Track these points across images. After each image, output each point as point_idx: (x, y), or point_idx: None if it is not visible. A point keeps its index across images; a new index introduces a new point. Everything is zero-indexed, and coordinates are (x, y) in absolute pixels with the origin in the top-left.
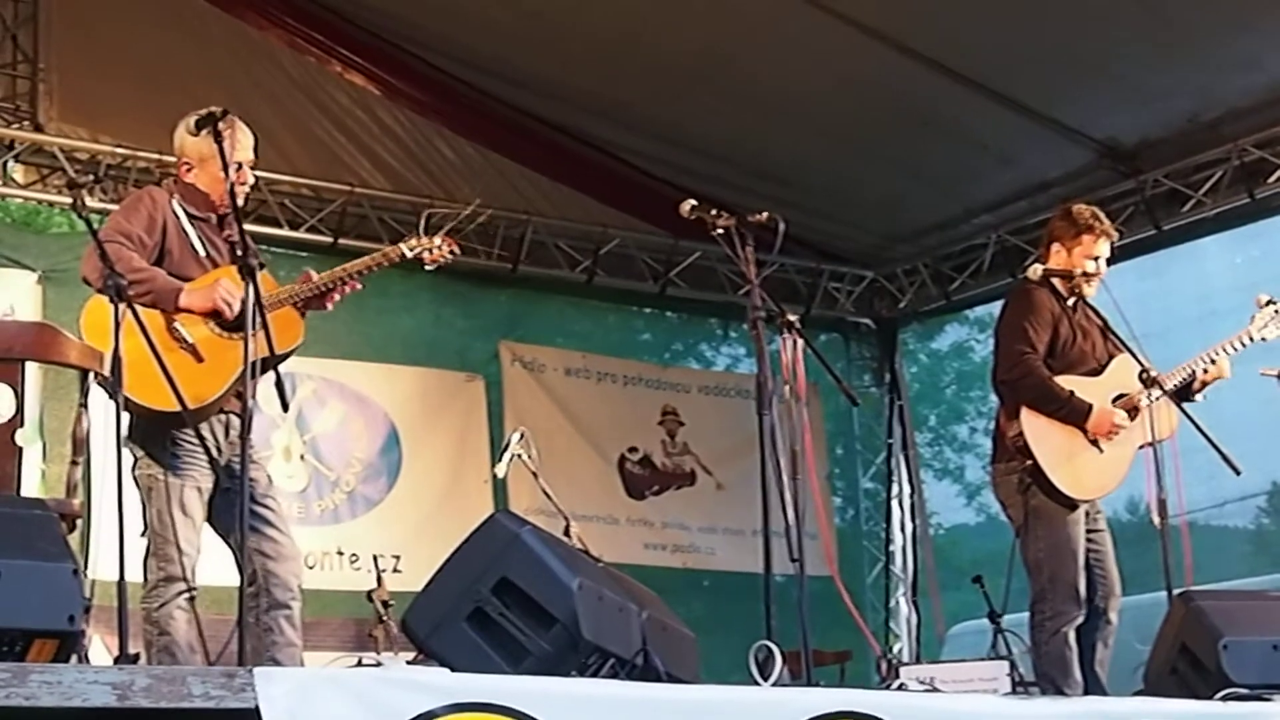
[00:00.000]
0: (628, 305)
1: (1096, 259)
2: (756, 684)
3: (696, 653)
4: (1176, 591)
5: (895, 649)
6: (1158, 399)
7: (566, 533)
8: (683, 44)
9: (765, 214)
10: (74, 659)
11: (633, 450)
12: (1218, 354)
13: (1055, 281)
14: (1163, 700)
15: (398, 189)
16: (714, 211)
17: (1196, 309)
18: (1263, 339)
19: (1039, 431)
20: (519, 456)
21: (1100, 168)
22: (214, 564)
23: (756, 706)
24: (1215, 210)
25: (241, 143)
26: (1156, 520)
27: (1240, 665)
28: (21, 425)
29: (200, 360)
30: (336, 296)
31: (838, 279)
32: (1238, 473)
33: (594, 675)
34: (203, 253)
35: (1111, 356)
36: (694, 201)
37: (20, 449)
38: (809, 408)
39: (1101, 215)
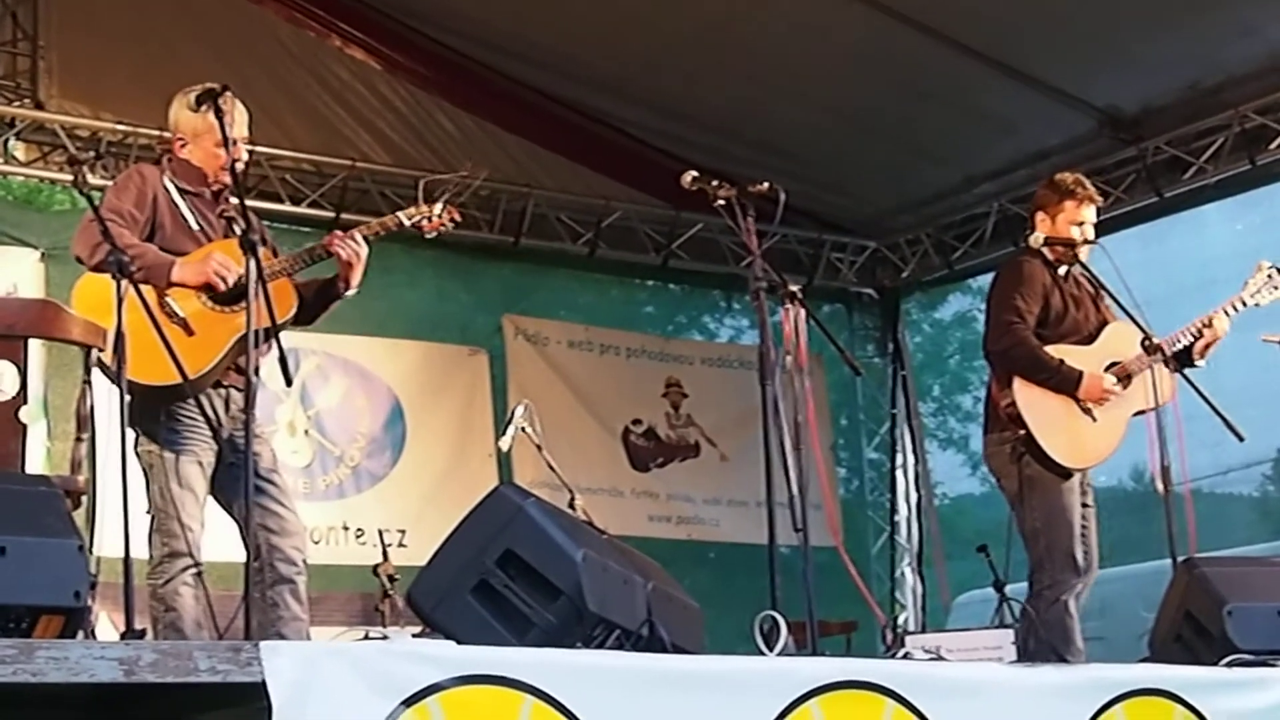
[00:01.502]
0: (630, 278)
1: (1082, 224)
2: (762, 654)
3: (702, 624)
4: (1181, 559)
5: (901, 619)
6: (1160, 365)
7: (571, 505)
8: (684, 16)
9: (766, 184)
10: (80, 635)
11: (637, 422)
12: (1215, 316)
13: (1046, 251)
14: (1168, 667)
15: (399, 163)
16: (715, 183)
17: (1198, 276)
18: (1255, 304)
19: (1031, 400)
20: (523, 430)
21: (1101, 135)
22: (218, 539)
23: (763, 676)
24: (1216, 177)
25: (238, 119)
26: (1160, 488)
27: (1245, 631)
28: (25, 402)
29: (191, 334)
30: (355, 277)
31: (840, 249)
32: (1241, 439)
33: (599, 647)
34: (195, 227)
35: (1104, 325)
36: (695, 173)
37: (25, 426)
38: (812, 378)
39: (1085, 181)
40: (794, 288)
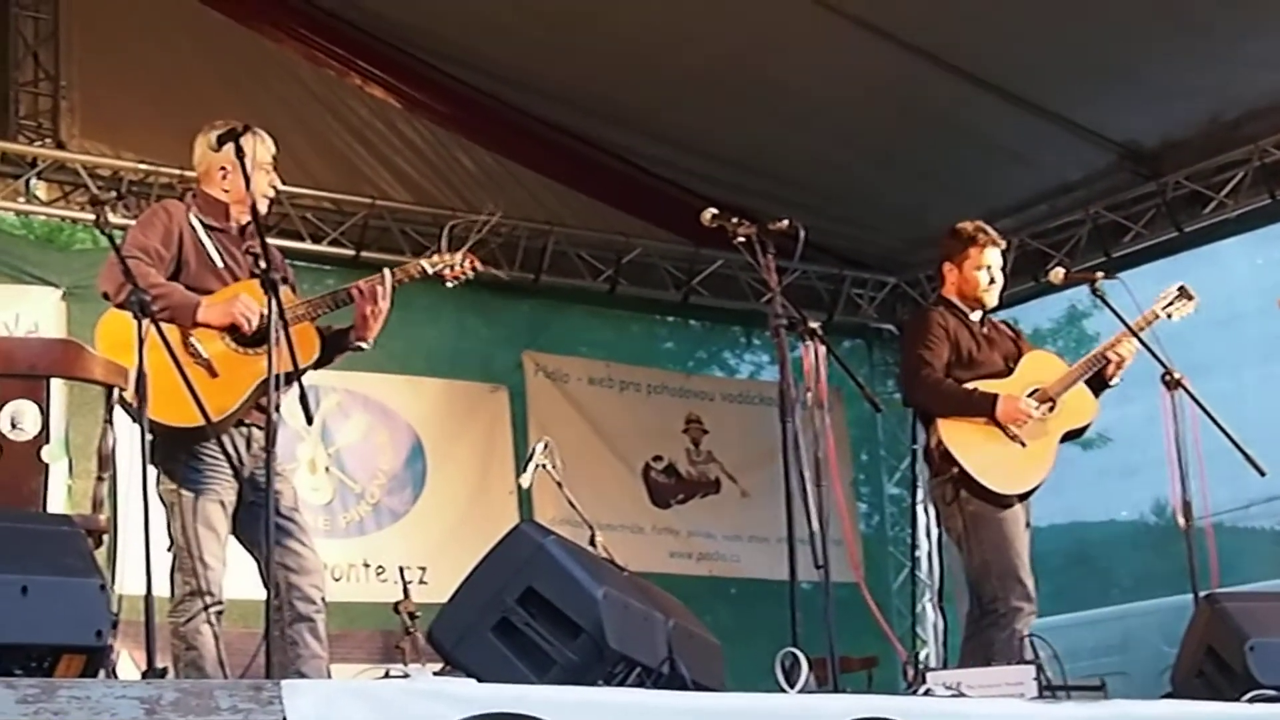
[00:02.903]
0: (650, 314)
1: (988, 268)
2: (783, 691)
3: (723, 661)
4: (1202, 594)
5: (922, 654)
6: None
7: (592, 542)
8: (703, 51)
9: (786, 221)
10: (101, 674)
11: (657, 459)
12: (1122, 339)
13: (953, 299)
14: (1190, 703)
15: (419, 201)
16: (735, 219)
17: (1218, 311)
18: (1168, 316)
19: (957, 436)
20: (543, 466)
21: (1121, 170)
22: (239, 577)
23: (784, 714)
24: (1237, 212)
25: (260, 154)
26: (1181, 522)
27: (1267, 666)
28: (47, 442)
29: (214, 375)
30: (371, 333)
31: (860, 285)
32: (1262, 474)
33: (620, 684)
34: (220, 264)
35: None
36: (715, 210)
37: (46, 465)
38: (832, 414)
39: (986, 226)
40: (814, 324)
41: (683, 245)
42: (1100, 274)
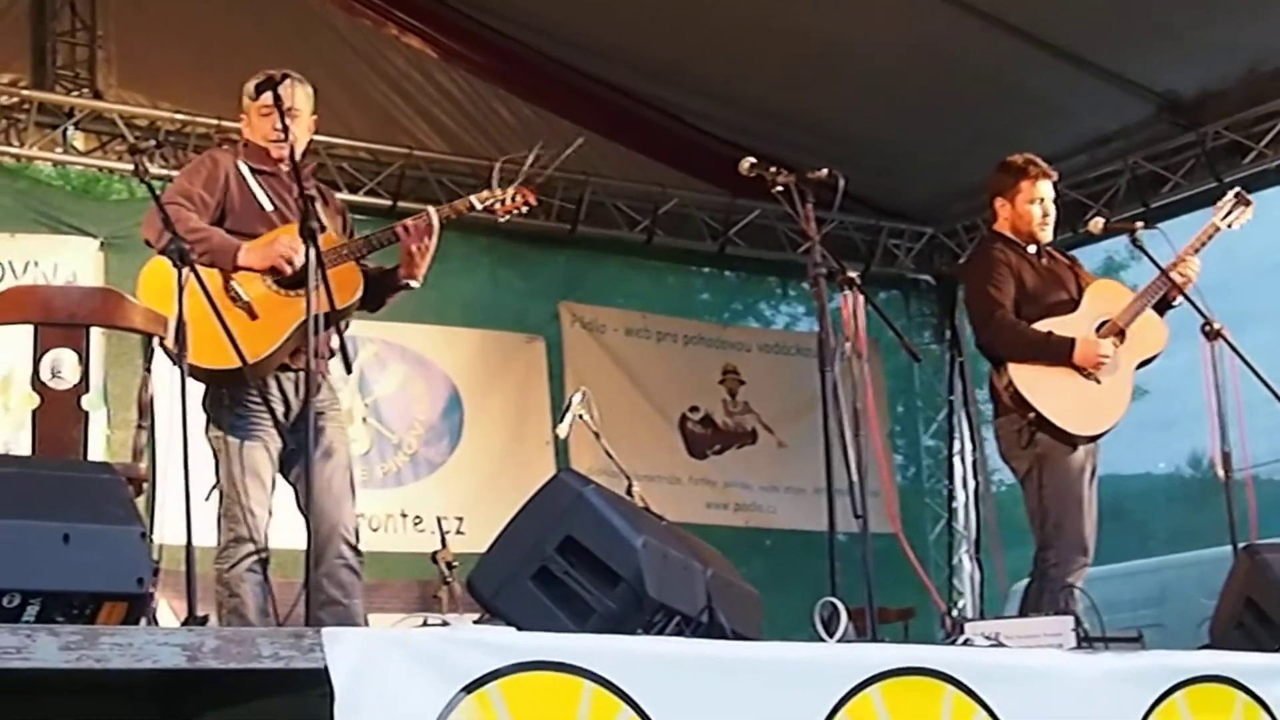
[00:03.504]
0: (687, 265)
1: (1041, 200)
2: (822, 641)
3: (760, 610)
4: (1241, 545)
5: (959, 606)
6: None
7: (629, 492)
8: (741, 2)
9: (825, 171)
10: (143, 622)
11: (694, 410)
12: (1186, 259)
13: (1008, 234)
14: (1229, 654)
15: (456, 151)
16: (773, 169)
17: (1259, 260)
18: (1229, 226)
19: (1030, 378)
20: (580, 417)
21: (1160, 121)
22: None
23: (823, 663)
24: (1276, 162)
25: (300, 102)
26: (1220, 474)
27: None
28: (87, 390)
29: (254, 318)
30: (419, 269)
31: (897, 236)
32: None
33: (659, 633)
34: (269, 207)
35: (1088, 280)
36: (753, 159)
37: (86, 414)
38: (869, 365)
39: (1036, 159)
40: (852, 274)
41: (719, 196)
42: (1140, 224)
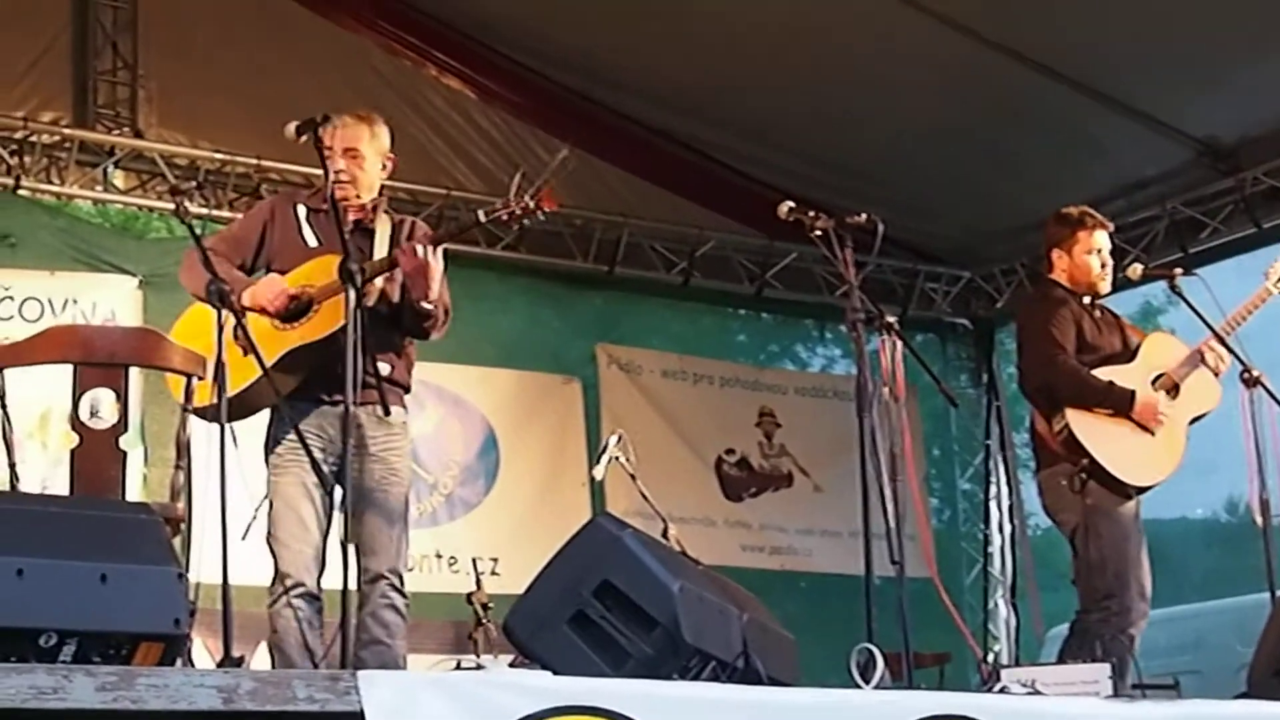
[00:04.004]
0: (724, 307)
1: (1098, 251)
2: (857, 686)
3: (797, 655)
4: (1279, 592)
5: (994, 651)
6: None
7: (664, 534)
8: (779, 45)
9: (864, 216)
10: (179, 662)
11: (730, 452)
12: (1232, 327)
13: (1064, 284)
14: (1267, 704)
15: (494, 192)
16: (812, 213)
17: None
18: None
19: (1087, 424)
20: (617, 459)
21: (1199, 165)
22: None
23: (861, 709)
24: None
25: (348, 138)
26: (1258, 519)
27: None
28: (125, 430)
29: (245, 355)
30: (427, 288)
31: (934, 279)
32: None
33: (695, 678)
34: (314, 244)
35: (1137, 346)
36: (791, 204)
37: (124, 454)
38: (906, 409)
39: (1091, 210)
40: (890, 319)
41: (757, 238)
42: (1179, 270)
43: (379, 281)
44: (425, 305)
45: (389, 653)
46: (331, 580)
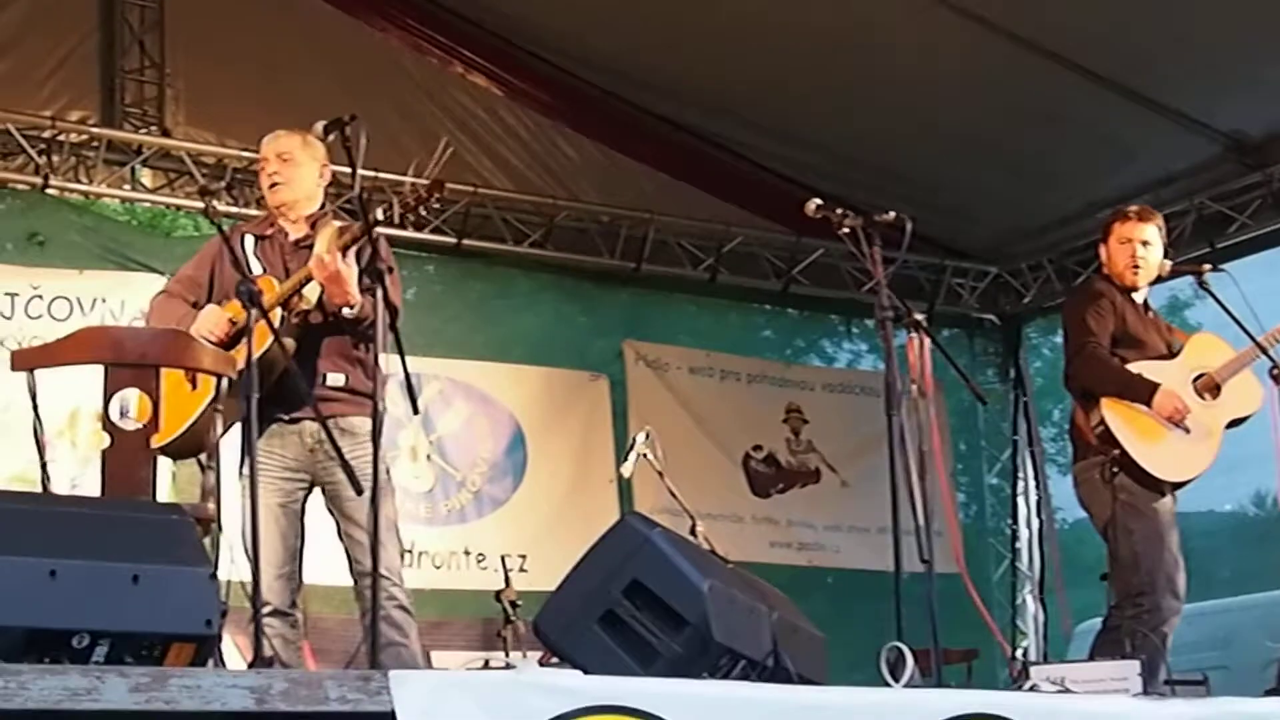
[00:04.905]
0: (750, 303)
1: (1129, 240)
2: (886, 684)
3: (826, 654)
4: None
5: (1022, 647)
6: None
7: (692, 532)
8: (804, 41)
9: (892, 214)
10: (210, 663)
11: (757, 448)
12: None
13: (1113, 277)
14: None
15: (520, 189)
16: (839, 211)
17: None
18: None
19: (1122, 417)
20: (644, 456)
21: (1226, 161)
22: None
23: (891, 708)
24: None
25: (280, 145)
26: None
27: None
28: (156, 431)
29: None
30: (342, 293)
31: (961, 275)
32: None
33: (725, 677)
34: (259, 270)
35: (1180, 345)
36: (819, 201)
37: (155, 454)
38: (934, 405)
39: (1141, 206)
40: (918, 316)
41: (784, 234)
42: (1207, 266)
43: (308, 293)
44: (346, 313)
45: (406, 652)
46: (343, 578)
